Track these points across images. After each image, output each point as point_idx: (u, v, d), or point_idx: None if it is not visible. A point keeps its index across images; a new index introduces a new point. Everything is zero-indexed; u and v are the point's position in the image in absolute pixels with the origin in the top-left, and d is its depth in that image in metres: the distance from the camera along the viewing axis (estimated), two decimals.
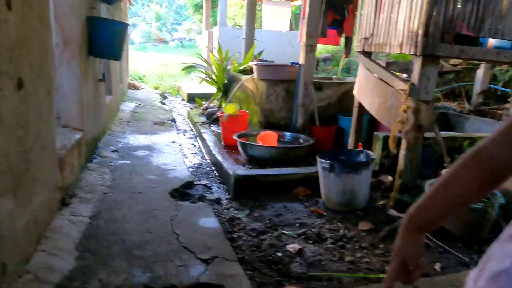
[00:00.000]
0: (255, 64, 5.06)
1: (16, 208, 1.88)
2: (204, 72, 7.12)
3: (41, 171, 2.26)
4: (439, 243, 2.64)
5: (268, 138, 4.36)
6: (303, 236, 2.73)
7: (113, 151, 4.34)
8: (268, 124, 4.91)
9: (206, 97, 7.81)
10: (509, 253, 0.69)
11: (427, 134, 3.81)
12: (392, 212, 3.08)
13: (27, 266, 2.00)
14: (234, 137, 4.32)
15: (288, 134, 4.67)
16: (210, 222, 2.83)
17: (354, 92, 3.83)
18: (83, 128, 3.56)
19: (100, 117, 4.49)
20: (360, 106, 3.77)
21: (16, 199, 1.88)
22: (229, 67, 6.71)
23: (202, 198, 3.33)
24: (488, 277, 0.71)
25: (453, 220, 2.66)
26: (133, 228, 2.61)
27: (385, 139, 3.54)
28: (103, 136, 4.73)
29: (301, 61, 4.59)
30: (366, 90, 3.51)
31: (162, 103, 8.06)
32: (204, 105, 7.10)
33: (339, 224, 2.94)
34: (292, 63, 4.77)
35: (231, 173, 3.49)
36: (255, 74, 5.08)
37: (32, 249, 2.14)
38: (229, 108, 4.84)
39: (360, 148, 3.77)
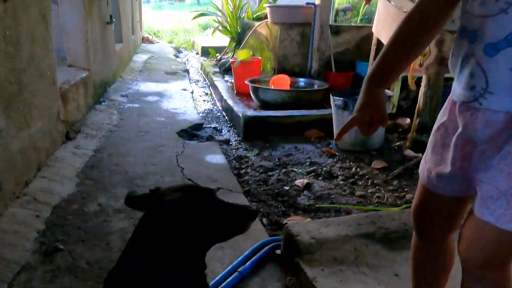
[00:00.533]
0: (268, 6, 4.80)
1: (8, 127, 1.81)
2: (216, 20, 6.87)
3: (38, 97, 2.18)
4: None
5: (281, 82, 4.18)
6: (313, 174, 2.61)
7: (122, 96, 4.26)
8: (282, 70, 4.70)
9: (220, 50, 7.59)
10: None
11: (448, 75, 3.56)
12: (409, 152, 2.92)
13: (26, 189, 1.97)
14: (246, 82, 4.16)
15: (302, 80, 4.47)
16: (216, 158, 2.75)
17: (373, 29, 3.57)
18: (89, 67, 3.47)
19: (109, 62, 4.39)
20: (379, 43, 3.53)
21: (8, 118, 1.81)
22: (243, 15, 6.44)
23: (210, 139, 3.23)
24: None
25: None
26: (137, 161, 2.55)
27: (404, 79, 3.32)
28: (113, 82, 4.65)
29: (317, 1, 4.31)
30: (385, 24, 3.26)
31: (176, 56, 7.90)
32: (218, 57, 6.91)
33: (351, 163, 2.80)
34: (307, 3, 4.49)
35: (241, 115, 3.36)
36: (268, 18, 4.84)
37: (32, 175, 2.09)
38: (242, 54, 4.65)
39: None
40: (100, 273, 1.44)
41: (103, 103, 3.83)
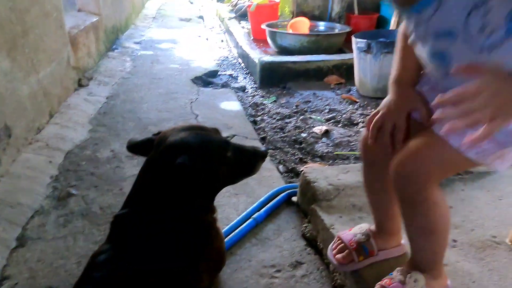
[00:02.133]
0: None
1: (14, 71, 1.75)
2: None
3: (44, 40, 2.09)
4: None
5: (300, 26, 3.95)
6: (332, 121, 2.50)
7: (136, 43, 4.13)
8: (300, 13, 4.44)
9: None
10: None
11: None
12: None
13: (38, 135, 1.94)
14: (263, 27, 3.95)
15: (322, 24, 4.22)
16: (232, 105, 2.66)
17: None
18: (99, 12, 3.33)
19: (120, 7, 4.22)
20: None
21: (13, 61, 1.74)
22: None
23: (226, 86, 3.12)
24: None
25: None
26: (151, 108, 2.48)
27: None
28: (126, 29, 4.50)
29: None
30: None
31: (190, 2, 7.59)
32: (233, 1, 6.59)
33: (373, 109, 2.66)
34: None
35: (257, 60, 3.21)
36: None
37: (45, 121, 2.06)
38: None
39: None
40: None
41: (115, 50, 3.72)
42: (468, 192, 1.45)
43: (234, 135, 2.20)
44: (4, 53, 1.66)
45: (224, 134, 2.22)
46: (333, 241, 1.19)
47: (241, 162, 1.06)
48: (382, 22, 4.30)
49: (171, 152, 0.96)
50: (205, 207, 1.06)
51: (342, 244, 1.13)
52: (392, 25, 3.35)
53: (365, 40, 2.74)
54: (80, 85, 2.66)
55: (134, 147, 1.06)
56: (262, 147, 1.10)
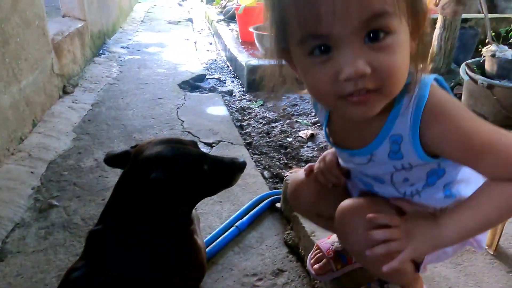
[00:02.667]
0: None
1: None
2: None
3: (26, 49, 2.08)
4: None
5: None
6: (318, 124, 2.51)
7: (123, 47, 4.11)
8: None
9: None
10: None
11: (467, 15, 3.32)
12: None
13: (21, 145, 1.92)
14: (251, 29, 3.95)
15: None
16: (218, 110, 2.65)
17: None
18: (84, 17, 3.31)
19: (107, 12, 4.20)
20: None
21: None
22: None
23: (213, 90, 3.12)
24: None
25: (488, 104, 2.34)
26: (136, 114, 2.47)
27: None
28: (113, 34, 4.48)
29: None
30: None
31: (179, 4, 7.57)
32: (222, 3, 6.58)
33: None
34: None
35: (244, 64, 3.21)
36: None
37: (27, 131, 2.04)
38: None
39: None
40: None
41: (102, 55, 3.70)
42: None
43: (219, 141, 2.20)
44: None
45: (210, 140, 2.24)
46: (312, 250, 1.19)
47: (219, 175, 1.07)
48: None
49: (146, 166, 0.96)
50: (183, 220, 1.06)
51: (321, 253, 1.14)
52: None
53: None
54: (65, 92, 2.65)
55: (111, 160, 1.06)
56: (240, 159, 1.10)
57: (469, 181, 0.79)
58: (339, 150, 0.82)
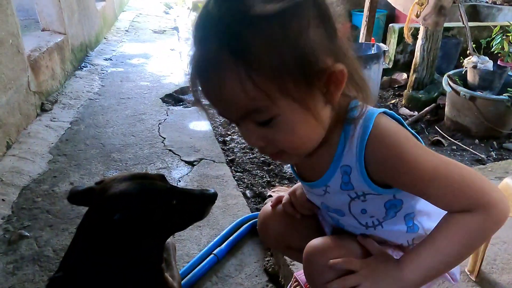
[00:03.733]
0: None
1: None
2: None
3: None
4: (453, 140, 2.35)
5: None
6: None
7: (106, 59, 4.05)
8: None
9: None
10: None
11: (449, 24, 3.33)
12: (404, 111, 2.76)
13: None
14: None
15: None
16: (201, 125, 2.61)
17: None
18: (64, 31, 3.25)
19: (89, 23, 4.13)
20: None
21: None
22: None
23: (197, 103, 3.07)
24: None
25: (471, 116, 2.33)
26: (116, 132, 2.41)
27: (402, 31, 3.08)
28: (96, 45, 4.41)
29: None
30: None
31: (166, 12, 7.52)
32: None
33: None
34: None
35: None
36: None
37: (1, 154, 1.98)
38: None
39: (372, 42, 3.33)
40: None
41: (84, 68, 3.63)
42: None
43: (201, 159, 2.15)
44: None
45: (191, 158, 2.18)
46: (290, 282, 1.15)
47: (189, 208, 1.02)
48: (353, 31, 4.32)
49: (110, 205, 0.91)
50: (153, 257, 1.01)
51: (299, 286, 1.10)
52: (361, 38, 3.36)
53: None
54: (43, 109, 2.58)
55: (75, 198, 1.01)
56: (211, 190, 1.06)
57: (430, 214, 0.77)
58: (302, 182, 0.83)
